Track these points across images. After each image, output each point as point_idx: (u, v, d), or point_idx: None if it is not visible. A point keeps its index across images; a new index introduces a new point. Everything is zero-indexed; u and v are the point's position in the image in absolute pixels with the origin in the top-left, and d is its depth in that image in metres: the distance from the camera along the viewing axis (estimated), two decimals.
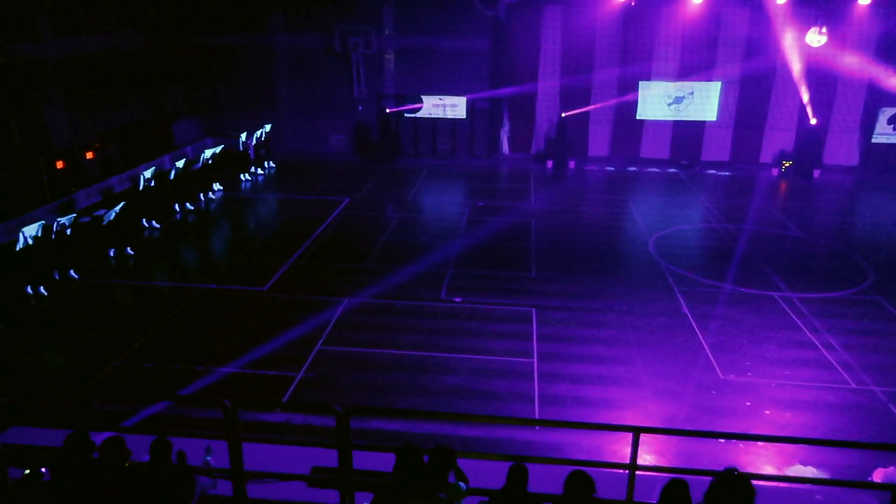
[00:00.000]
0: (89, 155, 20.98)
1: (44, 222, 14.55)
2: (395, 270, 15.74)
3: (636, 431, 5.21)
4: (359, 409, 8.34)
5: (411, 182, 24.21)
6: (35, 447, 6.53)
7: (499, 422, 6.23)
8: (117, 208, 16.46)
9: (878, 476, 8.45)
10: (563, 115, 26.23)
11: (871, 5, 24.01)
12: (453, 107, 27.08)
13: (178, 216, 19.71)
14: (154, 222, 18.63)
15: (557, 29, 26.23)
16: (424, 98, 27.14)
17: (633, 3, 24.96)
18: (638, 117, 26.96)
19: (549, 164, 26.49)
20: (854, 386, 11.22)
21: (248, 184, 23.74)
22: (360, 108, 27.72)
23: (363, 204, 21.43)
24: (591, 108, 26.84)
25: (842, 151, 26.33)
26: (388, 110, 27.11)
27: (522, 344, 12.48)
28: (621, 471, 5.49)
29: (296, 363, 11.61)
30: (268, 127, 25.60)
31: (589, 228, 19.51)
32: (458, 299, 14.34)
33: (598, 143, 27.44)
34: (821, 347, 12.47)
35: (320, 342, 12.39)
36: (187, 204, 20.19)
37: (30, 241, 14.09)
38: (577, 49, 26.22)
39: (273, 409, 10.33)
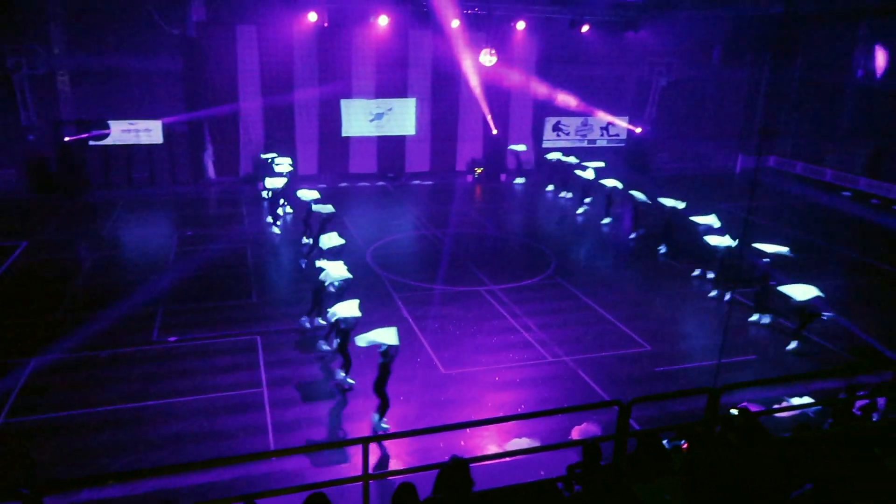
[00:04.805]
0: None
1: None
2: (95, 317, 13.96)
3: (365, 442, 5.30)
4: (53, 483, 7.22)
5: (105, 217, 21.74)
6: None
7: (228, 462, 5.88)
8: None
9: (575, 434, 9.79)
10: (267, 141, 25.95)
11: (527, 29, 27.89)
12: (147, 131, 25.00)
13: None
14: None
15: (254, 48, 25.74)
16: (112, 123, 24.60)
17: (326, 25, 25.60)
18: (343, 134, 27.72)
19: (260, 185, 25.87)
20: (550, 359, 12.89)
21: None
22: (30, 137, 24.07)
23: (47, 246, 18.66)
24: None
25: (521, 157, 30.10)
26: (67, 139, 23.98)
27: (250, 374, 11.99)
28: (360, 483, 5.57)
29: None
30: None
31: (306, 247, 19.47)
32: (172, 338, 13.25)
33: (307, 161, 27.56)
34: (521, 330, 14.08)
35: (2, 414, 10.49)
36: None
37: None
38: (277, 68, 26.05)
39: None
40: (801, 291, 13.20)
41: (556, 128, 30.44)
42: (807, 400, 10.39)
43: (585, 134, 30.94)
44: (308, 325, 13.77)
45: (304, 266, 17.06)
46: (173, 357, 12.58)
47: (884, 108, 27.72)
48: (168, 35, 24.30)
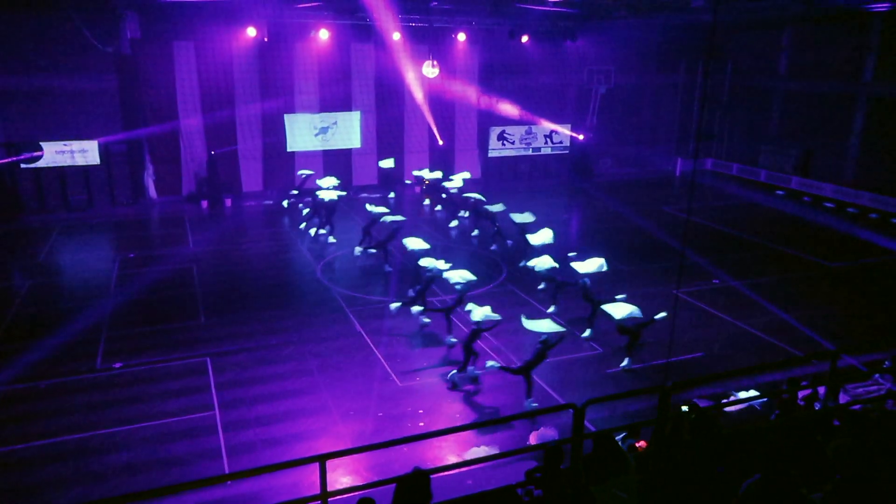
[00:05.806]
0: None
1: None
2: (33, 346, 13.40)
3: (321, 460, 5.22)
4: None
5: (41, 242, 20.93)
6: None
7: (179, 490, 5.68)
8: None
9: (532, 439, 9.87)
10: (213, 152, 25.40)
11: (468, 41, 28.18)
12: (83, 152, 24.19)
13: None
14: None
15: (192, 65, 25.24)
16: (45, 145, 23.74)
17: (266, 39, 25.32)
18: (289, 149, 27.40)
19: (204, 204, 25.38)
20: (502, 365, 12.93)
21: None
22: None
23: None
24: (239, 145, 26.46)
25: (468, 166, 30.28)
26: None
27: (200, 397, 11.70)
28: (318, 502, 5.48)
29: None
30: None
31: (256, 265, 19.18)
32: (118, 365, 12.82)
33: (252, 178, 27.16)
34: None
35: None
36: None
37: None
38: (217, 85, 25.61)
39: None
40: (619, 310, 12.97)
41: (501, 137, 30.76)
42: (753, 393, 10.75)
43: (530, 142, 31.36)
44: (451, 337, 13.87)
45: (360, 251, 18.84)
46: (119, 384, 12.18)
47: (810, 111, 29.05)
48: (101, 53, 23.63)
